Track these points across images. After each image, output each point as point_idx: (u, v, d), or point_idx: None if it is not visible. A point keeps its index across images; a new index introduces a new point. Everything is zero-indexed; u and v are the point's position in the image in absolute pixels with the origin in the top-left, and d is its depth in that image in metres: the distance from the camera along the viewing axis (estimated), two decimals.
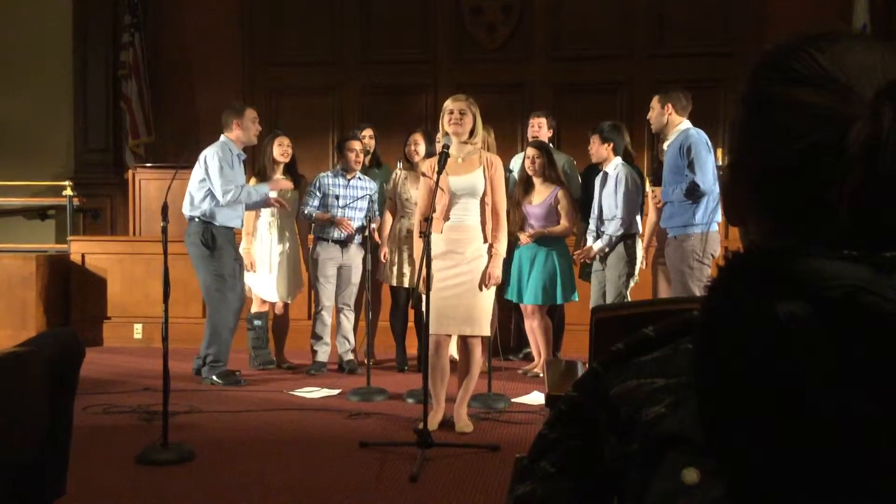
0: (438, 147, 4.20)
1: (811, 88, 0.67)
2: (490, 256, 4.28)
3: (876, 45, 0.69)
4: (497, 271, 4.28)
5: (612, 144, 5.43)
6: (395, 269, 5.77)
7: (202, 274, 5.43)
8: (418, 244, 4.32)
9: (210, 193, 5.39)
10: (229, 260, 5.46)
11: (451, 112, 4.25)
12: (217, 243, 5.38)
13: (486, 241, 4.30)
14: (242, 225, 5.70)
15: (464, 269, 4.22)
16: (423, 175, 4.36)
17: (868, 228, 0.64)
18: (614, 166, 5.42)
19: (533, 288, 5.62)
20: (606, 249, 5.33)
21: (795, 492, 0.61)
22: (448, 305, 4.14)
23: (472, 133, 4.28)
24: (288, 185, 5.83)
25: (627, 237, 5.32)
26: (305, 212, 5.88)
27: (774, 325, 0.61)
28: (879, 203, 0.63)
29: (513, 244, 5.78)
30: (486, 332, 4.38)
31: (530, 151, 5.73)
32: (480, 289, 4.26)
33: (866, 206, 0.63)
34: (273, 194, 5.65)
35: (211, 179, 5.37)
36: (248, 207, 5.70)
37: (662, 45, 8.39)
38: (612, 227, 5.31)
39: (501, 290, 5.89)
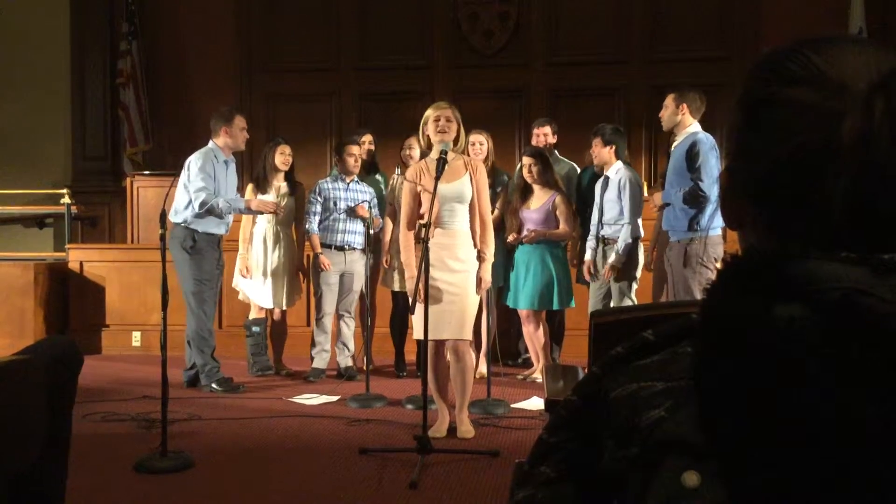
0: (435, 154, 4.20)
1: (806, 87, 0.67)
2: (480, 262, 4.29)
3: (869, 46, 0.70)
4: (487, 276, 4.30)
5: (614, 147, 5.44)
6: (396, 274, 5.78)
7: (182, 277, 5.44)
8: (407, 249, 4.33)
9: (191, 201, 5.40)
10: (210, 263, 5.47)
11: (438, 119, 4.25)
12: (198, 247, 5.39)
13: (475, 246, 4.31)
14: (227, 231, 5.68)
15: (455, 274, 4.22)
16: (407, 181, 4.37)
17: (865, 227, 0.64)
18: (616, 170, 5.42)
19: (529, 293, 5.61)
20: (623, 259, 5.32)
21: (796, 493, 0.61)
22: (442, 311, 4.14)
23: (456, 140, 4.30)
24: (271, 206, 5.67)
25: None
26: (307, 228, 5.88)
27: (773, 327, 0.61)
28: (875, 197, 0.63)
29: (511, 250, 5.79)
30: (471, 335, 4.39)
31: (526, 160, 5.73)
32: (477, 293, 4.27)
33: (862, 201, 0.63)
34: (252, 205, 5.62)
35: (187, 185, 5.39)
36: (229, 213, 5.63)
37: (659, 51, 8.41)
38: (623, 235, 5.29)
39: (500, 295, 5.90)
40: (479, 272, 4.27)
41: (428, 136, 4.29)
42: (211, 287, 5.49)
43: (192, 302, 5.41)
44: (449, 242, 4.24)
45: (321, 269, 5.82)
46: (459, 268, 4.24)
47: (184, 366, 5.66)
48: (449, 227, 4.26)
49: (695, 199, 4.76)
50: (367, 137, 6.36)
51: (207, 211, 5.36)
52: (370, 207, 5.88)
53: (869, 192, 0.63)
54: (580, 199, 5.97)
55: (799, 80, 0.68)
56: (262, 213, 5.73)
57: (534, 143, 6.24)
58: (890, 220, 0.64)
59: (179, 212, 5.42)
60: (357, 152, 5.89)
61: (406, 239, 4.38)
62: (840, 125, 0.64)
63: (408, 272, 4.35)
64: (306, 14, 8.78)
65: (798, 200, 0.67)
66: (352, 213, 5.79)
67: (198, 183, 5.35)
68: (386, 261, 5.87)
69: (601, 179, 5.54)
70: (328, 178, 6.00)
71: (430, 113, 4.31)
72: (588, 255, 5.56)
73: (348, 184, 5.88)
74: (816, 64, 0.68)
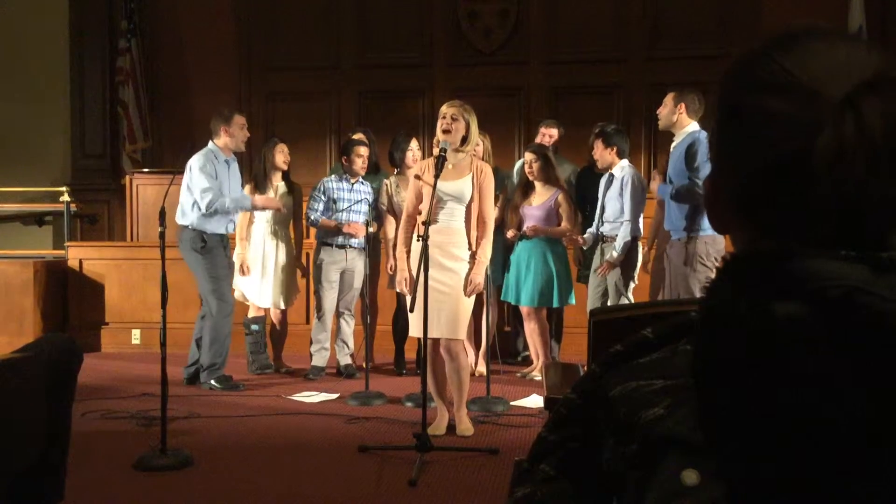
0: (436, 150, 4.20)
1: (777, 95, 0.66)
2: (473, 263, 4.28)
3: (841, 42, 0.68)
4: (479, 278, 4.26)
5: (615, 148, 5.43)
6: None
7: (200, 277, 5.44)
8: (402, 243, 4.35)
9: (196, 202, 5.40)
10: (222, 262, 5.47)
11: (444, 117, 4.24)
12: (208, 246, 5.40)
13: (470, 247, 4.29)
14: (235, 230, 5.69)
15: (447, 273, 4.21)
16: (416, 178, 4.37)
17: (850, 233, 0.63)
18: (621, 168, 5.42)
19: (529, 290, 5.61)
20: (622, 257, 5.30)
21: (795, 492, 0.61)
22: (434, 309, 4.13)
23: (465, 139, 4.26)
24: (277, 205, 5.78)
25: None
26: (311, 218, 5.87)
27: (772, 325, 0.61)
28: (859, 205, 0.63)
29: (511, 246, 5.79)
30: (465, 334, 4.38)
31: (528, 156, 5.76)
32: (468, 294, 4.26)
33: (847, 208, 0.63)
34: (258, 202, 5.67)
35: (191, 187, 5.39)
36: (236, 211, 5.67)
37: (658, 48, 8.41)
38: (622, 234, 5.29)
39: (500, 292, 5.90)
40: (470, 274, 4.26)
41: None
42: (227, 286, 5.49)
43: (211, 301, 5.39)
44: (443, 240, 4.22)
45: (353, 233, 5.75)
46: (452, 266, 4.23)
47: (184, 363, 5.66)
48: (444, 225, 4.25)
49: (690, 196, 4.75)
50: (357, 136, 6.30)
51: (214, 211, 5.36)
52: (369, 207, 5.86)
53: (852, 201, 0.63)
54: (579, 199, 5.98)
55: (769, 88, 0.67)
56: (267, 209, 5.74)
57: (538, 141, 6.24)
58: (878, 223, 0.63)
59: (186, 214, 5.41)
60: (366, 153, 5.87)
61: (403, 234, 4.38)
62: (815, 137, 0.63)
63: (399, 264, 4.35)
64: (305, 12, 8.77)
65: (782, 205, 0.66)
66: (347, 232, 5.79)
67: (202, 184, 5.34)
68: (390, 267, 5.73)
69: (605, 177, 5.53)
70: (333, 177, 5.97)
71: (441, 109, 4.31)
72: (586, 235, 5.58)
73: (353, 185, 5.88)
74: (788, 69, 0.66)
